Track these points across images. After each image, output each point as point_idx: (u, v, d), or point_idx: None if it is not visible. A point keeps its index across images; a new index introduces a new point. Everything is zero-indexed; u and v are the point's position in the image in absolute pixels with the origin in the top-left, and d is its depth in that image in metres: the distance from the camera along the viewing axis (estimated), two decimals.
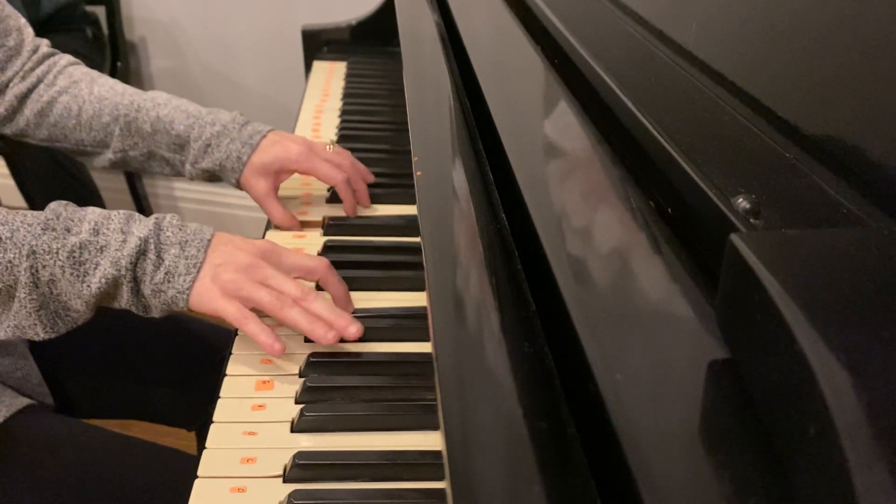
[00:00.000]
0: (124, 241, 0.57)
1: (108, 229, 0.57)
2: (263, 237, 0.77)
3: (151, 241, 0.58)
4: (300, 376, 0.58)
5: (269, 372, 0.59)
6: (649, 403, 0.30)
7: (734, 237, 0.29)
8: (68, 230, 0.57)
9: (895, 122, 0.34)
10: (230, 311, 0.57)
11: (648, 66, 0.55)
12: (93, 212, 0.59)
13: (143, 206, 1.99)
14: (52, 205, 0.59)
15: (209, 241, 0.59)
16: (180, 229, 0.59)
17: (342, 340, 0.59)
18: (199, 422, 0.82)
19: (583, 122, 0.54)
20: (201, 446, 0.53)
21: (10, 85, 0.80)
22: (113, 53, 1.81)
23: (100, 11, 1.79)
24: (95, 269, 0.56)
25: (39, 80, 0.81)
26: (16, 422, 0.66)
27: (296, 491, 0.48)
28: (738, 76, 0.46)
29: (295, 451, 0.51)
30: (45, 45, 0.84)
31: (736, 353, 0.31)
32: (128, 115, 0.79)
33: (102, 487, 0.63)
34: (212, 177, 0.80)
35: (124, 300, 0.58)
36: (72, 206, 0.59)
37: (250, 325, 0.57)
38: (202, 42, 1.89)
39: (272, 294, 0.58)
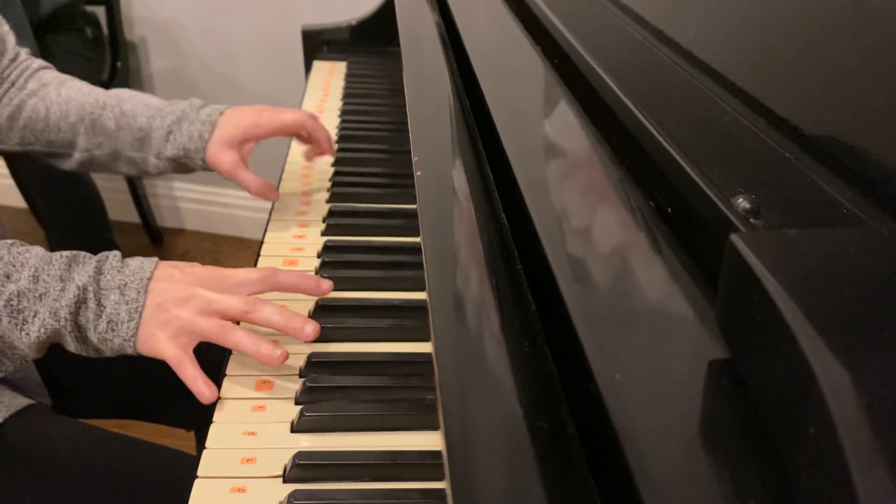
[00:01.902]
0: (63, 289, 0.56)
1: (48, 276, 0.57)
2: (263, 237, 0.77)
3: (90, 288, 0.57)
4: (300, 376, 0.58)
5: (269, 372, 0.59)
6: (649, 403, 0.30)
7: (734, 237, 0.29)
8: (7, 276, 0.56)
9: (895, 122, 0.34)
10: (169, 356, 0.57)
11: (648, 66, 0.55)
12: (35, 255, 0.58)
13: (143, 206, 1.99)
14: None
15: (149, 279, 0.58)
16: (119, 271, 0.58)
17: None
18: (199, 422, 0.82)
19: (583, 122, 0.54)
20: (201, 446, 0.53)
21: None
22: (113, 53, 1.80)
23: (100, 11, 1.79)
24: (34, 317, 0.56)
25: (12, 84, 0.82)
26: (15, 422, 0.66)
27: (296, 491, 0.48)
28: (738, 76, 0.46)
29: (295, 451, 0.51)
30: (24, 52, 0.85)
31: (736, 353, 0.30)
32: (93, 114, 0.79)
33: (102, 488, 0.63)
34: (178, 166, 0.80)
35: (72, 347, 0.58)
36: (16, 248, 0.58)
37: (186, 370, 0.56)
38: (202, 42, 1.89)
39: (212, 322, 0.57)
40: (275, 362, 0.57)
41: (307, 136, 0.84)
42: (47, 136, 0.80)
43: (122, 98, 0.80)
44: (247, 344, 0.57)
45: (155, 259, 0.60)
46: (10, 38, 0.84)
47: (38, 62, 0.86)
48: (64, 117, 0.80)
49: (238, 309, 0.58)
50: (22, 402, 0.68)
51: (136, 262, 0.60)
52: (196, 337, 0.57)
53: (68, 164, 0.83)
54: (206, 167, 0.79)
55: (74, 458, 0.65)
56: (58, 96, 0.81)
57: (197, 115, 0.78)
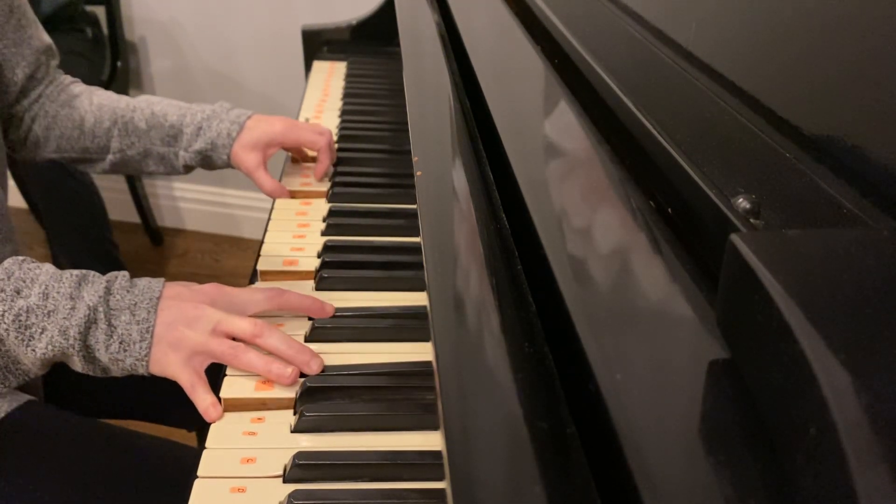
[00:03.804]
0: (73, 308, 0.57)
1: (58, 293, 0.57)
2: (263, 237, 0.77)
3: (101, 308, 0.57)
4: (300, 376, 0.58)
5: None
6: (649, 403, 0.30)
7: (734, 237, 0.29)
8: (18, 292, 0.57)
9: (895, 122, 0.34)
10: (183, 380, 0.57)
11: (648, 66, 0.55)
12: (45, 272, 0.59)
13: (143, 206, 1.99)
14: (7, 262, 0.59)
15: (158, 298, 0.59)
16: (129, 291, 0.59)
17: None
18: (200, 422, 0.82)
19: (583, 122, 0.54)
20: (201, 446, 0.53)
21: (29, 109, 0.85)
22: (113, 53, 1.80)
23: (100, 11, 1.79)
24: (42, 333, 0.56)
25: (47, 98, 0.86)
26: (16, 417, 0.66)
27: (296, 491, 0.48)
28: (738, 76, 0.46)
29: (295, 451, 0.51)
30: (60, 73, 0.89)
31: (736, 353, 0.31)
32: (125, 117, 0.85)
33: (104, 481, 0.63)
34: (204, 160, 0.85)
35: (79, 367, 0.58)
36: (27, 265, 0.59)
37: (198, 394, 0.56)
38: (202, 42, 1.89)
39: (225, 344, 0.57)
40: (286, 381, 0.57)
41: (315, 155, 0.89)
42: (83, 143, 0.85)
43: (152, 101, 0.86)
44: (259, 365, 0.57)
45: (162, 279, 0.61)
46: (54, 62, 0.87)
47: (68, 77, 0.90)
48: (98, 123, 0.85)
49: (248, 332, 0.58)
50: (22, 397, 0.68)
51: (143, 282, 0.60)
52: (208, 358, 0.58)
53: (100, 168, 0.87)
54: (229, 164, 0.85)
55: (75, 453, 0.65)
56: (90, 104, 0.86)
57: (227, 115, 0.84)
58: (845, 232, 0.32)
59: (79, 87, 0.89)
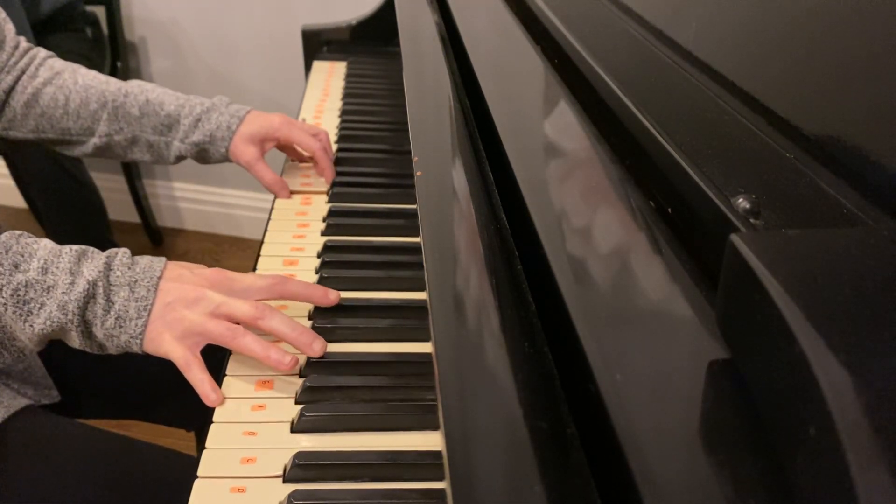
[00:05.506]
0: (72, 283, 0.56)
1: (57, 268, 0.56)
2: (263, 237, 0.77)
3: (100, 283, 0.56)
4: (300, 376, 0.58)
5: (269, 372, 0.58)
6: (649, 403, 0.30)
7: (734, 237, 0.29)
8: (16, 266, 0.56)
9: (895, 122, 0.34)
10: (176, 357, 0.56)
11: (648, 66, 0.55)
12: (44, 247, 0.58)
13: (142, 206, 1.99)
14: (4, 236, 0.58)
15: (159, 278, 0.58)
16: (129, 268, 0.58)
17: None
18: (199, 422, 0.82)
19: (583, 122, 0.54)
20: (201, 446, 0.53)
21: None
22: (113, 53, 1.80)
23: (100, 11, 1.79)
24: (40, 308, 0.55)
25: (22, 72, 0.83)
26: (14, 422, 0.66)
27: (296, 491, 0.48)
28: (738, 76, 0.46)
29: (295, 451, 0.51)
30: (23, 41, 0.86)
31: (736, 353, 0.31)
32: (115, 101, 0.82)
33: (101, 488, 0.63)
34: (200, 152, 0.84)
35: (76, 343, 0.58)
36: (25, 239, 0.58)
37: (193, 372, 0.56)
38: (202, 42, 1.89)
39: (222, 325, 0.57)
40: (285, 367, 0.57)
41: (310, 159, 0.90)
42: (65, 123, 0.83)
43: (145, 88, 0.84)
44: (256, 349, 0.57)
45: (164, 259, 0.60)
46: (9, 27, 0.84)
47: (44, 51, 0.87)
48: (84, 105, 0.82)
49: (248, 314, 0.57)
50: (21, 402, 0.68)
51: (145, 260, 0.60)
52: (204, 339, 0.57)
53: (80, 150, 0.85)
54: (227, 157, 0.84)
55: (74, 459, 0.65)
56: (75, 84, 0.83)
57: (226, 108, 0.84)
58: (845, 232, 0.32)
59: (59, 63, 0.86)
